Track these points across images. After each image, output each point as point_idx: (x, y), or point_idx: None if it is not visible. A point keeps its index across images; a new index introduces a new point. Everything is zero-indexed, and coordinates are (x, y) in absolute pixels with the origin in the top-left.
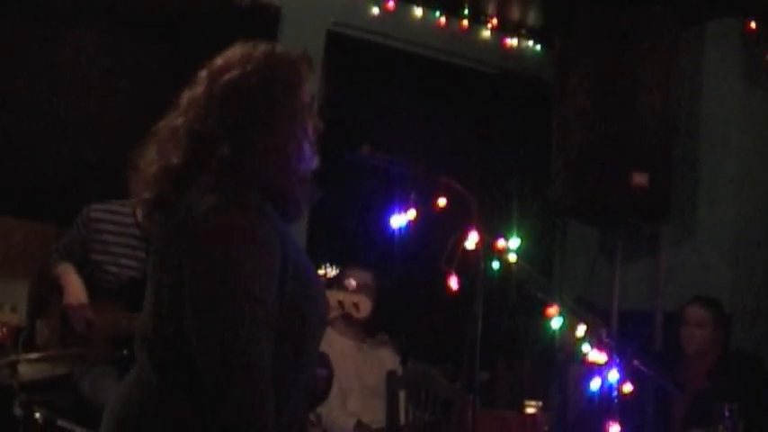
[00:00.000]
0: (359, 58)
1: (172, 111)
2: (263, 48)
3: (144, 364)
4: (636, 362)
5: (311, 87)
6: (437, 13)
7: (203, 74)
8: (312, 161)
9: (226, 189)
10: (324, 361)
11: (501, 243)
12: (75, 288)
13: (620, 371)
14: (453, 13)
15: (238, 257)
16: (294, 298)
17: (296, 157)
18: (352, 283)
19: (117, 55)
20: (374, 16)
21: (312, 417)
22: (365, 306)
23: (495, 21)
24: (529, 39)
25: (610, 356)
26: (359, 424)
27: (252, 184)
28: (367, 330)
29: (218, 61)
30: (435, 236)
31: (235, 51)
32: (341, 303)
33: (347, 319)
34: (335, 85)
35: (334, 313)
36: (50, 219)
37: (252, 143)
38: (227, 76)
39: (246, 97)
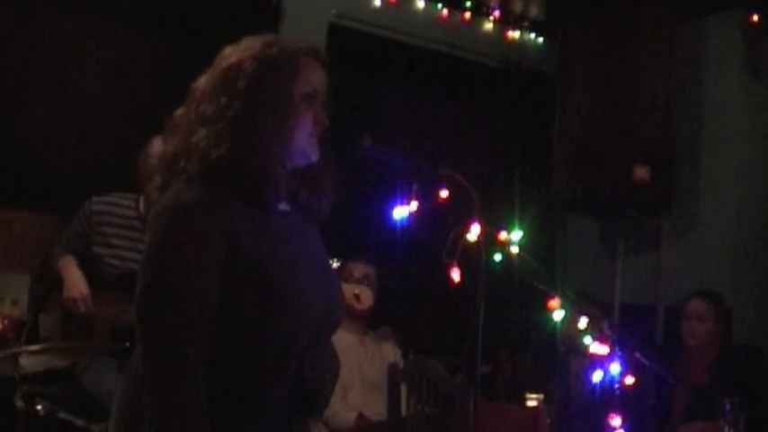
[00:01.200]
0: (361, 51)
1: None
2: (266, 38)
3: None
4: (637, 354)
5: (316, 80)
6: (439, 6)
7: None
8: (304, 152)
9: (188, 180)
10: (322, 359)
11: (503, 235)
12: (75, 281)
13: (621, 363)
14: (455, 5)
15: (171, 258)
16: (249, 296)
17: (274, 139)
18: (354, 273)
19: (117, 48)
20: (376, 8)
21: None
22: (366, 296)
23: (497, 13)
24: (531, 32)
25: (611, 349)
26: (360, 417)
27: (219, 173)
28: (369, 324)
29: (224, 51)
30: (437, 228)
31: (241, 43)
32: None
33: (349, 311)
34: (337, 77)
35: None
36: (51, 211)
37: (228, 125)
38: (224, 64)
39: (234, 81)
